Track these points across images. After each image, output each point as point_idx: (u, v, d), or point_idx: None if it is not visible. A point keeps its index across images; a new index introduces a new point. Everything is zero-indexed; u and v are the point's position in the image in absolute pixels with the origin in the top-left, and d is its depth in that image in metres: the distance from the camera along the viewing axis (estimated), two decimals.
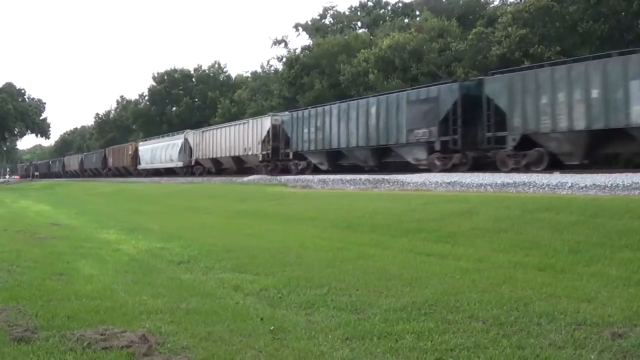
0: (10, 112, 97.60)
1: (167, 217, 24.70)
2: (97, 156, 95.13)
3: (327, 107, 39.17)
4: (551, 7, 40.56)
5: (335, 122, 36.95)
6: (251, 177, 42.71)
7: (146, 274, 10.76)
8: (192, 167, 59.59)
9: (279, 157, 44.71)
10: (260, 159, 46.44)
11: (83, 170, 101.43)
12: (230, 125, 52.89)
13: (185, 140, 60.45)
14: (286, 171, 43.52)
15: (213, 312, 7.69)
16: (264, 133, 45.58)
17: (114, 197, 44.28)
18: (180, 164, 61.08)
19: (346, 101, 38.26)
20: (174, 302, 8.23)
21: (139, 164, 73.57)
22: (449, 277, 9.81)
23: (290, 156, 43.12)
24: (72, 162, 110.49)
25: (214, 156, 54.13)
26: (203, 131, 57.92)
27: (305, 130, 40.23)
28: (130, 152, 77.52)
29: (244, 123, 50.36)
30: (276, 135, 44.95)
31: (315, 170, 40.34)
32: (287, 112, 46.24)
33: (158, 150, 67.07)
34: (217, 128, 55.71)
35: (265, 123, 45.91)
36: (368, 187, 28.45)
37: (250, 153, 47.58)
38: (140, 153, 73.87)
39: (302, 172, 41.07)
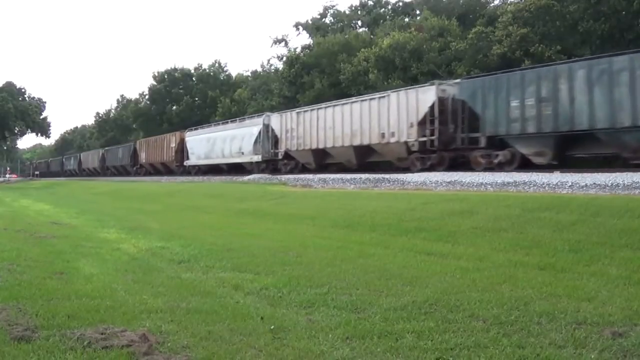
0: (11, 111, 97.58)
1: (167, 216, 24.70)
2: (124, 151, 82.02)
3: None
4: (551, 6, 40.57)
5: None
6: (251, 176, 42.79)
7: (146, 273, 10.76)
8: (277, 162, 44.98)
9: (462, 143, 30.21)
10: (416, 147, 31.17)
11: (105, 168, 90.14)
12: (352, 102, 36.53)
13: (266, 126, 45.70)
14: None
15: (213, 311, 7.69)
16: (424, 110, 30.62)
17: (114, 196, 44.29)
18: (256, 158, 46.47)
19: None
20: (174, 301, 8.22)
21: (187, 159, 59.93)
22: (449, 276, 9.81)
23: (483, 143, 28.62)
24: (91, 158, 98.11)
25: (318, 146, 38.97)
26: (300, 112, 41.79)
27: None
28: (173, 145, 63.88)
29: (382, 96, 33.90)
30: (445, 112, 30.37)
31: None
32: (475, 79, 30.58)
33: (219, 142, 52.62)
34: (327, 106, 38.73)
35: (427, 96, 30.73)
36: (368, 186, 28.45)
37: (395, 140, 32.29)
38: (188, 145, 59.94)
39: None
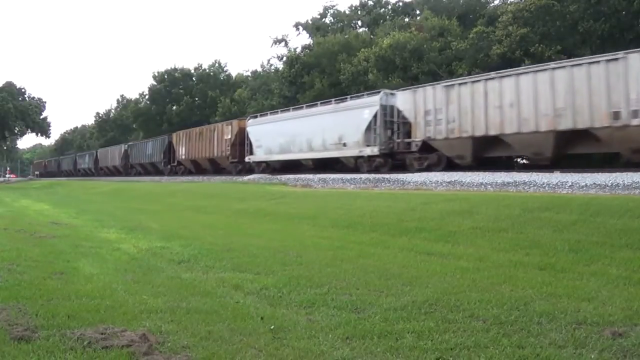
0: (11, 111, 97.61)
1: (167, 216, 24.70)
2: (155, 146, 69.89)
3: None
4: (552, 6, 40.63)
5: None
6: (251, 176, 42.76)
7: (146, 273, 10.75)
8: (406, 156, 33.15)
9: None
10: None
11: (127, 167, 79.99)
12: (555, 67, 25.43)
13: (384, 107, 33.90)
14: None
15: (213, 311, 7.69)
16: None
17: (113, 196, 44.27)
18: (369, 151, 34.29)
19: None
20: (174, 301, 8.22)
21: (249, 153, 47.37)
22: (449, 276, 9.81)
23: None
24: (111, 156, 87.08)
25: (487, 132, 28.06)
26: (450, 85, 30.44)
27: None
28: (228, 137, 50.47)
29: (613, 58, 23.36)
30: None
31: None
32: None
33: (303, 131, 40.45)
34: (504, 76, 27.62)
35: None
36: (368, 186, 28.47)
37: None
38: (252, 137, 46.89)
39: None
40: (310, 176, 35.61)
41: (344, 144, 36.33)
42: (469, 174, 25.53)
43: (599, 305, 7.65)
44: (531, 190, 20.55)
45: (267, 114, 48.44)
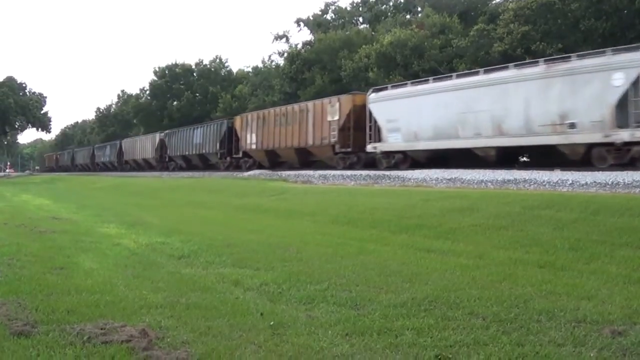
0: (11, 106, 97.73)
1: (167, 212, 24.72)
2: (206, 133, 55.57)
3: None
4: (553, 4, 40.59)
5: None
6: (251, 172, 42.62)
7: (146, 268, 10.76)
8: None
9: None
10: None
11: (163, 160, 66.71)
12: None
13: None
14: None
15: (213, 306, 7.70)
16: None
17: (114, 191, 44.31)
18: (627, 136, 22.17)
19: None
20: (174, 296, 8.23)
21: (374, 140, 33.70)
22: (449, 273, 9.82)
23: None
24: (142, 146, 73.77)
25: None
26: None
27: None
28: (334, 117, 36.66)
29: None
30: None
31: None
32: None
33: (486, 103, 27.35)
34: None
35: None
36: (369, 183, 28.46)
37: None
38: (380, 117, 33.29)
39: None
40: (311, 172, 35.46)
41: (571, 125, 23.87)
42: (470, 171, 25.49)
43: (599, 304, 7.66)
44: (531, 188, 20.53)
45: (406, 84, 34.26)
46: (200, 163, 57.62)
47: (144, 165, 73.12)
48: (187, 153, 60.07)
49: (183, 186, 39.15)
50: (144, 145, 73.15)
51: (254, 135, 45.68)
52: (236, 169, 48.81)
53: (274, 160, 44.28)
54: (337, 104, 36.63)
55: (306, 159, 40.77)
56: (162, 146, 67.11)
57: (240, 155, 48.68)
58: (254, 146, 45.87)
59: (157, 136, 69.51)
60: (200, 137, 56.44)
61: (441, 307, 7.59)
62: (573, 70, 24.09)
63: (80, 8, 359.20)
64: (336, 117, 36.41)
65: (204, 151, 55.78)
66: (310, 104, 40.50)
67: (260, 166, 45.30)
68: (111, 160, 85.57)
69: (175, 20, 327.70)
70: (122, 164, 79.76)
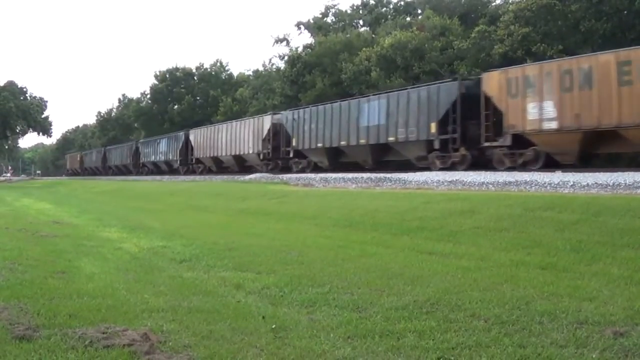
0: (12, 111, 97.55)
1: (168, 216, 24.71)
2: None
3: None
4: (553, 5, 40.57)
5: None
6: (252, 176, 42.67)
7: (148, 272, 10.77)
8: None
9: None
10: None
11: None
12: None
13: None
14: None
15: (215, 310, 7.70)
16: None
17: (115, 195, 44.30)
18: None
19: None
20: (175, 300, 8.23)
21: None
22: (451, 275, 9.81)
23: None
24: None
25: None
26: None
27: None
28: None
29: None
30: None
31: None
32: None
33: None
34: None
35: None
36: (370, 186, 28.50)
37: None
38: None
39: None
40: (312, 175, 35.78)
41: None
42: (471, 173, 25.55)
43: (601, 305, 7.65)
44: (533, 189, 20.54)
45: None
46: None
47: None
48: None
49: (184, 190, 39.16)
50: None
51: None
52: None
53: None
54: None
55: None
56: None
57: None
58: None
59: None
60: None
61: (443, 310, 7.59)
62: None
63: (81, 12, 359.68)
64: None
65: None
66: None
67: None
68: (170, 159, 66.49)
69: (176, 24, 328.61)
70: (190, 166, 61.99)
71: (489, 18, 50.85)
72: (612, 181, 19.05)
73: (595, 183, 19.31)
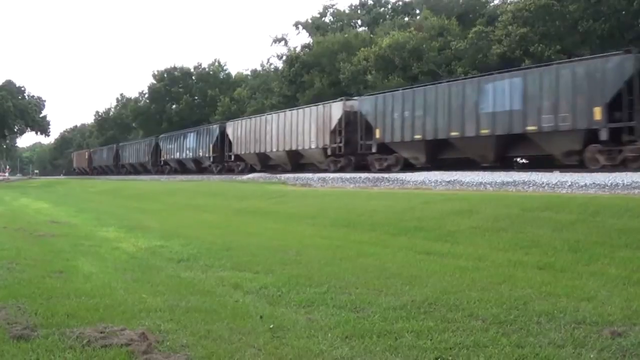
0: (10, 110, 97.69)
1: (166, 215, 24.68)
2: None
3: None
4: (551, 5, 40.67)
5: None
6: (250, 175, 42.57)
7: (145, 272, 10.75)
8: None
9: None
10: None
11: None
12: None
13: None
14: None
15: (212, 310, 7.69)
16: None
17: (113, 194, 44.21)
18: None
19: None
20: (173, 300, 8.22)
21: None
22: (449, 275, 9.81)
23: None
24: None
25: None
26: None
27: None
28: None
29: None
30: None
31: None
32: None
33: None
34: None
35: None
36: (368, 186, 28.49)
37: None
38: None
39: None
40: (310, 175, 35.51)
41: None
42: (468, 173, 25.54)
43: (598, 305, 7.65)
44: (530, 189, 20.56)
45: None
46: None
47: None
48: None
49: (182, 189, 39.09)
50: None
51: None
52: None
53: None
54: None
55: None
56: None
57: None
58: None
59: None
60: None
61: (441, 310, 7.58)
62: None
63: (80, 12, 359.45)
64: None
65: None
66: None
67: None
68: (200, 155, 58.23)
69: (174, 23, 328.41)
70: (225, 162, 53.77)
71: (487, 18, 51.05)
72: (610, 181, 19.06)
73: (593, 183, 19.32)
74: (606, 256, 10.96)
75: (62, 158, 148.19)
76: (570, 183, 19.92)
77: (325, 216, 19.62)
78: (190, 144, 60.30)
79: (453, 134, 29.90)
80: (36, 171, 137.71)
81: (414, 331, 6.63)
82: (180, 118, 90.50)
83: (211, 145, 55.18)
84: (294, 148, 42.17)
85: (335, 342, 6.31)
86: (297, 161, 43.52)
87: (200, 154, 57.82)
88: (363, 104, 36.03)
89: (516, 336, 6.43)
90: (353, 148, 36.70)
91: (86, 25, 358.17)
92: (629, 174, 19.95)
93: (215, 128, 55.63)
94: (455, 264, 11.08)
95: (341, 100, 38.90)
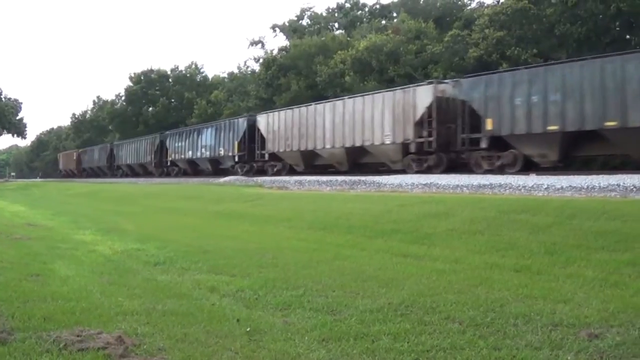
0: None
1: (143, 218, 24.63)
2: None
3: None
4: (528, 9, 40.82)
5: None
6: (227, 178, 42.44)
7: (122, 275, 10.73)
8: None
9: None
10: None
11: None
12: None
13: None
14: None
15: (189, 313, 7.67)
16: None
17: (90, 197, 44.04)
18: None
19: None
20: (150, 303, 8.19)
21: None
22: (425, 278, 9.83)
23: None
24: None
25: None
26: None
27: None
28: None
29: None
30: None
31: None
32: None
33: None
34: None
35: None
36: (344, 188, 28.48)
37: None
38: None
39: None
40: (287, 178, 35.47)
41: None
42: (445, 176, 25.58)
43: (575, 307, 7.69)
44: (507, 192, 20.62)
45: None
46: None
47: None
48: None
49: (159, 192, 38.98)
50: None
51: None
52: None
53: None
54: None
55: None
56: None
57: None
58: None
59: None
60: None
61: (417, 312, 7.60)
62: None
63: (56, 13, 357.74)
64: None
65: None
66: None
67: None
68: (207, 155, 51.43)
69: (151, 26, 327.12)
70: (247, 162, 46.36)
71: (464, 22, 51.22)
72: (586, 184, 19.16)
73: (570, 186, 19.42)
74: (583, 259, 11.03)
75: (39, 160, 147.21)
76: (546, 186, 20.00)
77: (302, 219, 19.62)
78: (206, 141, 51.22)
79: (608, 123, 23.05)
80: (12, 174, 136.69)
81: (390, 334, 6.64)
82: (156, 120, 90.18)
83: (236, 142, 46.20)
84: (357, 144, 34.23)
85: (312, 345, 6.32)
86: (357, 160, 36.12)
87: (221, 152, 48.63)
88: (464, 89, 29.00)
89: (493, 338, 6.45)
90: (447, 143, 29.83)
91: (63, 27, 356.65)
92: (605, 176, 20.04)
93: (243, 121, 46.61)
94: (432, 266, 11.12)
95: (429, 83, 31.33)
